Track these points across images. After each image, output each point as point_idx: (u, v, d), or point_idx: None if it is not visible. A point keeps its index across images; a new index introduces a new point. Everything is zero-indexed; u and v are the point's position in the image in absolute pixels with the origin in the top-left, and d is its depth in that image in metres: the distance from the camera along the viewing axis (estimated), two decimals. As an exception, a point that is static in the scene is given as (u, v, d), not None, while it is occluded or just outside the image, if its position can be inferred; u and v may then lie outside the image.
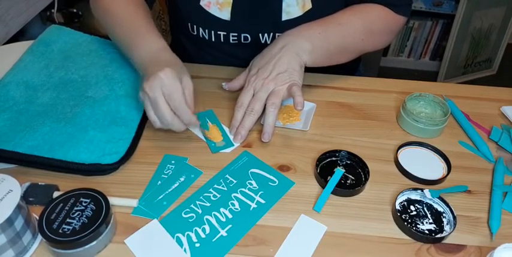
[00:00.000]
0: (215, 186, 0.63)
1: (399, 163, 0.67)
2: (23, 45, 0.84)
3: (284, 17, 0.82)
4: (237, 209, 0.60)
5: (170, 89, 0.63)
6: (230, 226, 0.58)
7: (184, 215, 0.59)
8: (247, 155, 0.69)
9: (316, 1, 0.80)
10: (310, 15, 0.81)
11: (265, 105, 0.70)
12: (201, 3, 0.82)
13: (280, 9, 0.81)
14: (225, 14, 0.82)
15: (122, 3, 0.78)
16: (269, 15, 0.82)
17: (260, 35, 0.84)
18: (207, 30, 0.85)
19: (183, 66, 0.69)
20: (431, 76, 2.35)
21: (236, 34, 0.85)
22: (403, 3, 0.82)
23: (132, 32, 0.73)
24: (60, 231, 0.51)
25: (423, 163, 0.68)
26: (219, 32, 0.85)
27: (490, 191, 0.65)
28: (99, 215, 0.53)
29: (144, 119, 0.73)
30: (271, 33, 0.84)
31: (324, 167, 0.67)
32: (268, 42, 0.85)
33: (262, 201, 0.62)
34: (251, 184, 0.64)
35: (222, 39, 0.86)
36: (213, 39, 0.86)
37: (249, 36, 0.84)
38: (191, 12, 0.84)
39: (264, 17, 0.82)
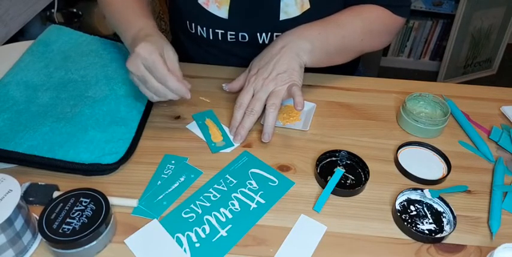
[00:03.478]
0: (215, 186, 0.63)
1: (399, 163, 0.67)
2: (23, 45, 0.84)
3: (282, 17, 0.82)
4: (237, 209, 0.60)
5: (149, 61, 0.63)
6: (230, 226, 0.58)
7: (184, 215, 0.59)
8: (247, 155, 0.69)
9: (314, 1, 0.80)
10: (308, 15, 0.81)
11: (265, 105, 0.70)
12: (200, 1, 0.82)
13: (278, 9, 0.81)
14: (223, 12, 0.82)
15: None
16: (267, 15, 0.82)
17: (258, 34, 0.84)
18: (205, 28, 0.85)
19: (164, 39, 0.69)
20: (431, 76, 2.35)
21: (234, 33, 0.85)
22: (402, 4, 0.83)
23: (122, 20, 0.75)
24: (60, 231, 0.51)
25: (423, 163, 0.68)
26: (216, 30, 0.85)
27: (490, 191, 0.65)
28: (99, 215, 0.53)
29: (144, 119, 0.73)
30: (269, 33, 0.84)
31: (324, 167, 0.67)
32: (266, 41, 0.85)
33: (262, 201, 0.62)
34: (251, 184, 0.64)
35: (220, 38, 0.86)
36: (211, 38, 0.86)
37: (246, 35, 0.84)
38: (190, 10, 0.84)
39: (262, 16, 0.82)
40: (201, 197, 0.62)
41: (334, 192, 0.63)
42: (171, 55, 0.68)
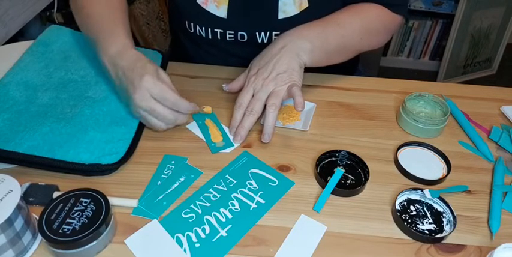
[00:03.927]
0: (215, 186, 0.63)
1: (399, 163, 0.67)
2: (22, 46, 0.84)
3: (280, 16, 0.82)
4: (237, 209, 0.60)
5: (159, 92, 0.64)
6: (230, 226, 0.58)
7: (184, 215, 0.59)
8: (247, 155, 0.69)
9: (312, 0, 0.80)
10: (306, 14, 0.81)
11: (264, 105, 0.70)
12: (198, 1, 0.82)
13: (276, 8, 0.81)
14: (221, 11, 0.82)
15: (97, 0, 0.77)
16: (265, 14, 0.82)
17: (257, 33, 0.84)
18: (204, 28, 0.85)
19: (149, 60, 0.68)
20: (431, 76, 2.35)
21: (233, 32, 0.85)
22: (400, 2, 0.83)
23: (100, 29, 0.72)
24: (60, 231, 0.51)
25: (423, 163, 0.68)
26: (215, 30, 0.85)
27: (490, 191, 0.65)
28: (99, 215, 0.53)
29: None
30: (268, 32, 0.84)
31: (324, 167, 0.67)
32: (265, 41, 0.85)
33: (262, 201, 0.62)
34: (251, 184, 0.64)
35: (219, 37, 0.86)
36: (210, 37, 0.86)
37: (245, 34, 0.84)
38: (189, 9, 0.84)
39: (260, 16, 0.82)
40: (201, 197, 0.62)
41: (334, 192, 0.63)
42: (166, 77, 0.68)
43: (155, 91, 0.64)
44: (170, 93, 0.65)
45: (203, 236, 0.57)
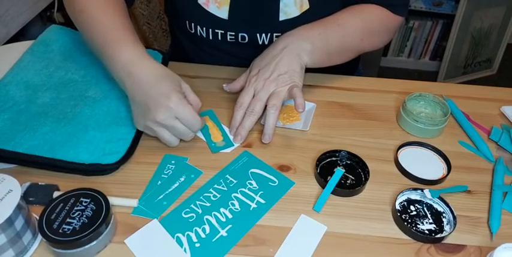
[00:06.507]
0: (215, 186, 0.63)
1: (399, 163, 0.67)
2: (23, 45, 0.84)
3: (282, 17, 0.82)
4: (237, 209, 0.61)
5: (183, 115, 0.63)
6: (230, 226, 0.58)
7: (184, 215, 0.59)
8: (247, 155, 0.69)
9: (313, 1, 0.80)
10: (307, 16, 0.81)
11: (265, 106, 0.70)
12: (199, 2, 0.82)
13: (277, 9, 0.81)
14: (223, 12, 0.82)
15: (96, 4, 0.72)
16: (267, 15, 0.82)
17: (258, 34, 0.84)
18: (204, 29, 0.85)
19: (168, 70, 0.66)
20: (431, 76, 2.35)
21: (234, 33, 0.85)
22: (400, 3, 0.83)
23: (104, 41, 0.68)
24: (60, 231, 0.51)
25: (423, 163, 0.68)
26: (216, 31, 0.85)
27: (490, 191, 0.65)
28: (99, 215, 0.53)
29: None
30: (269, 34, 0.84)
31: (324, 167, 0.67)
32: (266, 42, 0.85)
33: (262, 201, 0.62)
34: (251, 184, 0.64)
35: (219, 38, 0.86)
36: (211, 38, 0.86)
37: (246, 35, 0.84)
38: (189, 10, 0.84)
39: (261, 17, 0.82)
40: (201, 197, 0.62)
41: (334, 192, 0.63)
42: (186, 86, 0.67)
43: (179, 113, 0.63)
44: (192, 115, 0.64)
45: (203, 236, 0.57)
